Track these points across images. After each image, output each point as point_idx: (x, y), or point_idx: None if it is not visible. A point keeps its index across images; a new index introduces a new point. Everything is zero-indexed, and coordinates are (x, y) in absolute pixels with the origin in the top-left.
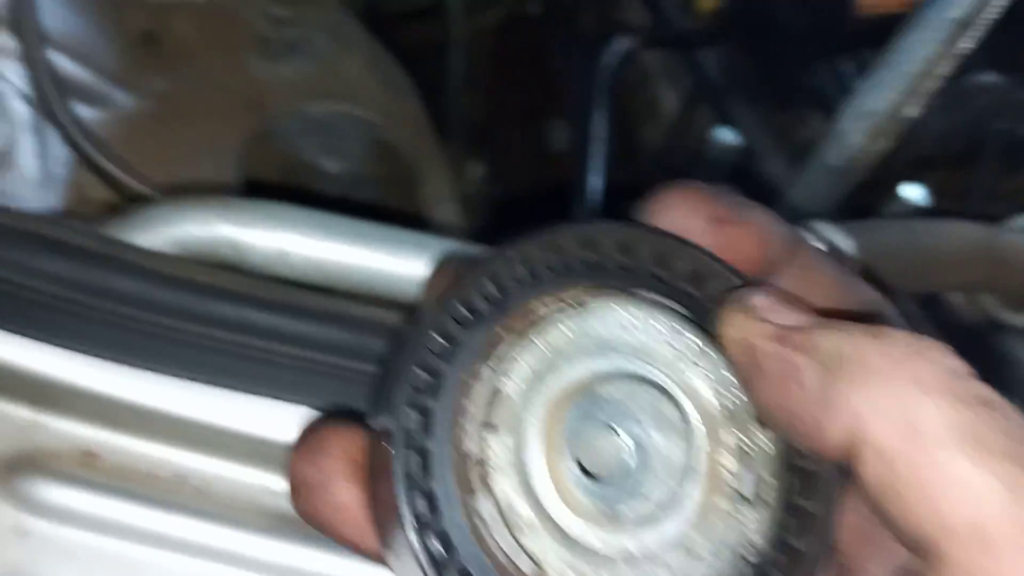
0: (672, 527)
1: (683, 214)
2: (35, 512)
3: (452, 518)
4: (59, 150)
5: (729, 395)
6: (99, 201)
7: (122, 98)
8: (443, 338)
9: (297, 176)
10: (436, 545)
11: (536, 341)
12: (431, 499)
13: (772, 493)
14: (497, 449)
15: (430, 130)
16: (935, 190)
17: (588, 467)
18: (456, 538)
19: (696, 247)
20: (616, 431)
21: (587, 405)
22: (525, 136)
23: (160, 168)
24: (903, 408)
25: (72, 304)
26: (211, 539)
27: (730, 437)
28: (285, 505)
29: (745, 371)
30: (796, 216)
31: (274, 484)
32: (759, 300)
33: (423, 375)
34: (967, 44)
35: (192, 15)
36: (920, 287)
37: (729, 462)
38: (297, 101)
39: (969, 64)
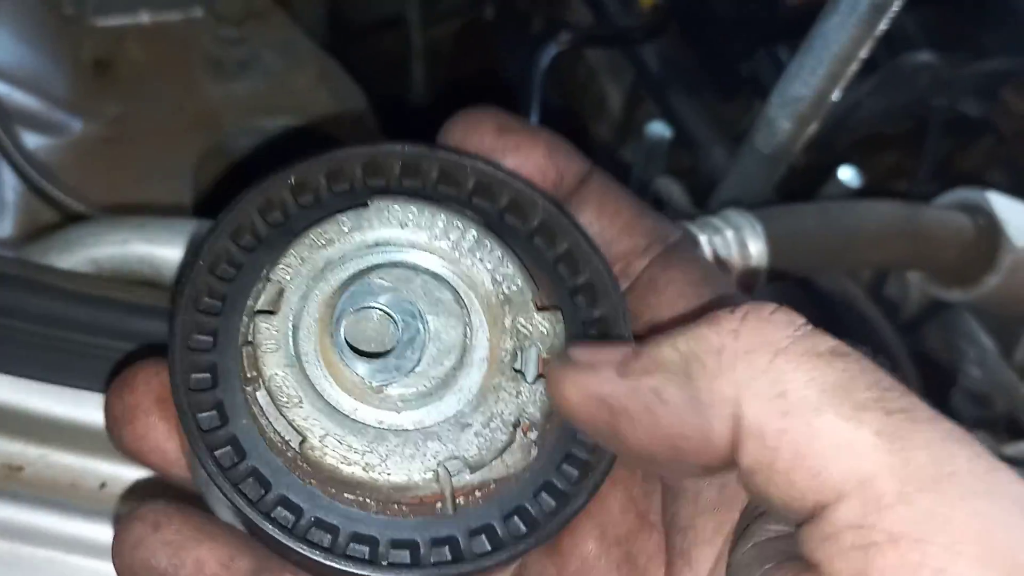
0: (447, 403)
1: (472, 127)
2: None
3: (239, 423)
4: (11, 178)
5: (506, 283)
6: (52, 226)
7: (75, 125)
8: (227, 263)
9: None
10: (227, 452)
11: (316, 239)
12: (220, 408)
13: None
14: (267, 331)
15: (381, 138)
16: (886, 171)
17: (359, 347)
18: (245, 440)
19: (481, 159)
20: (389, 314)
21: (361, 291)
22: None
23: (114, 191)
24: (771, 381)
25: None
26: None
27: (508, 320)
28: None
29: (605, 425)
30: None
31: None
32: (579, 354)
33: (206, 300)
34: (883, 26)
35: (142, 40)
36: (840, 267)
37: (508, 342)
38: (250, 118)
39: (905, 44)
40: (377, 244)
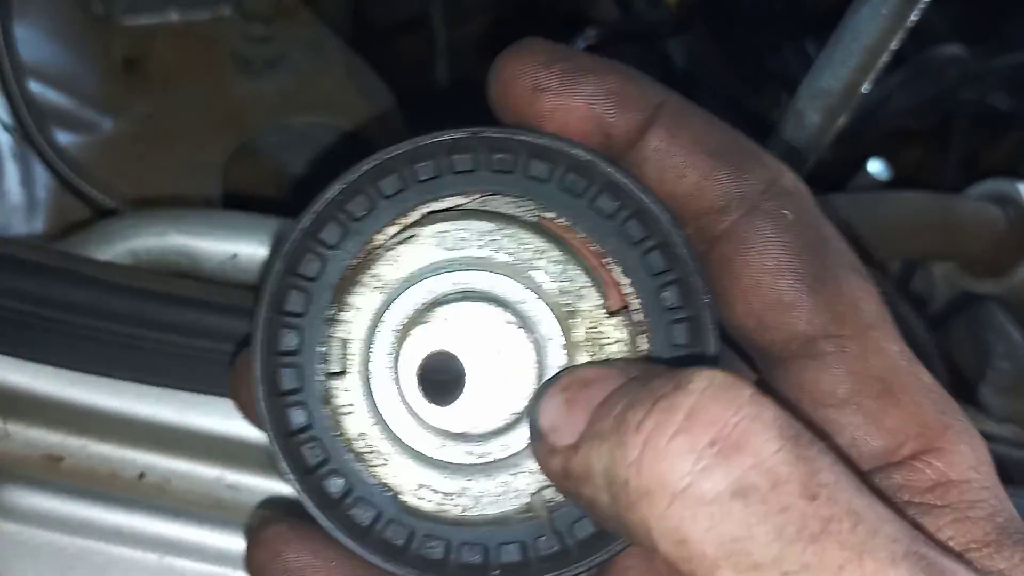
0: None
1: (509, 86)
2: (3, 515)
3: (342, 459)
4: (43, 176)
5: (571, 292)
6: (84, 222)
7: (105, 123)
8: (297, 292)
9: (283, 187)
10: (335, 484)
11: (370, 282)
12: (321, 446)
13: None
14: (342, 393)
15: (408, 135)
16: (914, 165)
17: (433, 389)
18: (350, 475)
19: (524, 132)
20: (456, 352)
21: (424, 335)
22: None
23: (144, 187)
24: (672, 528)
25: (32, 317)
26: (170, 533)
27: (581, 332)
28: (240, 497)
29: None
30: None
31: (229, 477)
32: (545, 419)
33: (281, 350)
34: (913, 17)
35: (172, 39)
36: (872, 257)
37: (582, 356)
38: (278, 115)
39: (933, 38)
40: (435, 272)
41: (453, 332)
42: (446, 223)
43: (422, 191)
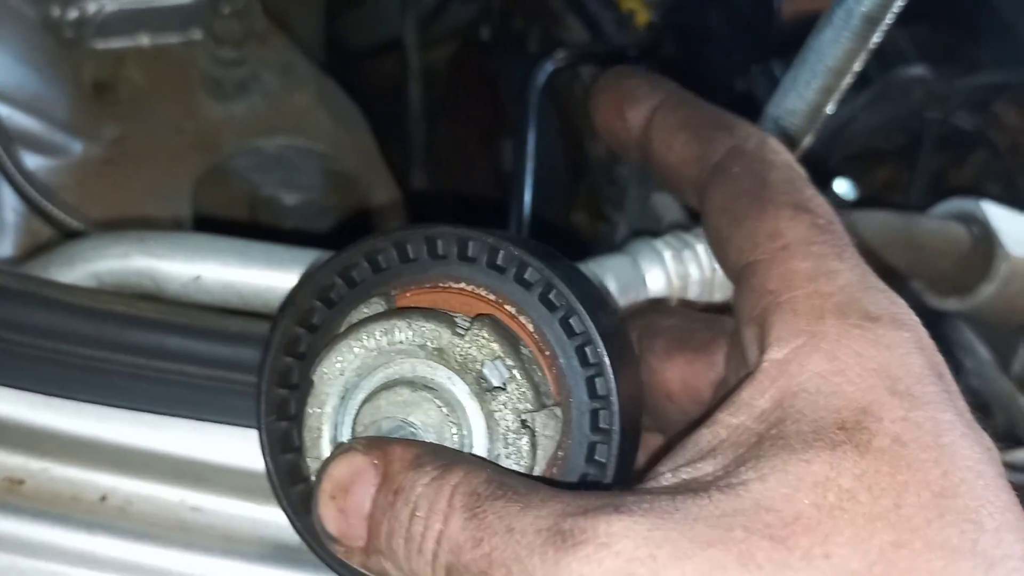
0: (476, 451)
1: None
2: None
3: None
4: (12, 199)
5: (438, 338)
6: (49, 245)
7: (75, 146)
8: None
9: (257, 211)
10: None
11: (318, 379)
12: None
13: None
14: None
15: (380, 157)
16: (881, 185)
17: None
18: None
19: (474, 233)
20: (391, 428)
21: (369, 421)
22: (482, 158)
23: (114, 210)
24: None
25: None
26: (132, 555)
27: (457, 358)
28: (203, 519)
29: None
30: None
31: (191, 499)
32: (331, 527)
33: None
34: (877, 39)
35: (142, 62)
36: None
37: (468, 376)
38: (250, 138)
39: (898, 58)
40: (357, 374)
41: (385, 415)
42: (363, 328)
43: (372, 284)
